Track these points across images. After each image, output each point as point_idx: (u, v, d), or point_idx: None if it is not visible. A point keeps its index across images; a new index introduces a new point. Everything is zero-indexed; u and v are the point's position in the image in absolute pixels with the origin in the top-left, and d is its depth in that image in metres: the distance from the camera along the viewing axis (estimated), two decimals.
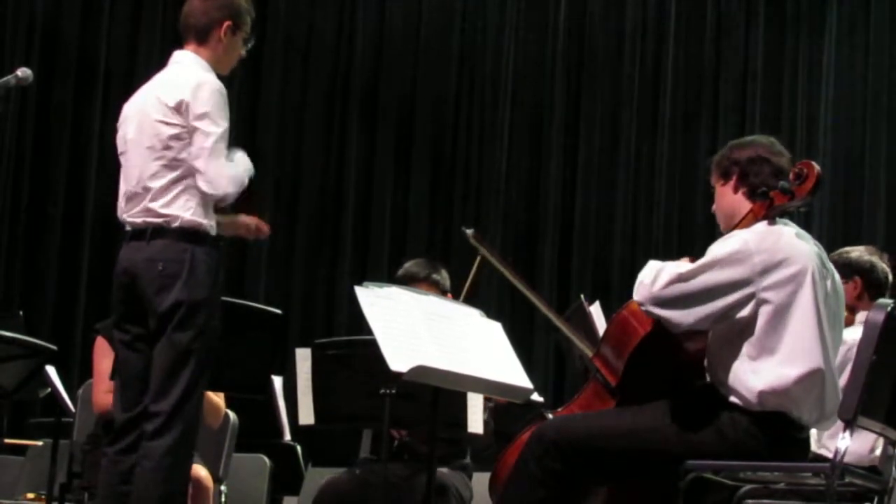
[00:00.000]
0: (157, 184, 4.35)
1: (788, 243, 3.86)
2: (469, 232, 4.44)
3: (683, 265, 3.83)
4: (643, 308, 3.84)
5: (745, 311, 3.78)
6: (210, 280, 4.32)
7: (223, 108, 4.36)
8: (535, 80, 10.22)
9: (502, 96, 10.16)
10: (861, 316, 4.93)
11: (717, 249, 3.83)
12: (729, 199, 4.03)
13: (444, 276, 5.40)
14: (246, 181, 4.44)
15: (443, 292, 5.22)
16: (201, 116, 4.31)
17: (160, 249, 4.31)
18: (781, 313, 3.78)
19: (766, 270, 3.78)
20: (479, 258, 5.26)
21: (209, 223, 4.37)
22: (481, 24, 10.24)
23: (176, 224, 4.32)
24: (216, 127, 4.32)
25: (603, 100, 10.21)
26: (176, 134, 4.33)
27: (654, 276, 3.79)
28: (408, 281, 5.20)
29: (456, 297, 5.14)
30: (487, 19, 10.24)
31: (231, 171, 4.34)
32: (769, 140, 4.09)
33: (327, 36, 10.08)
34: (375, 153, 10.03)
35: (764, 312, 3.77)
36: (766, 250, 3.80)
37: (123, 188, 4.48)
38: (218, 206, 4.44)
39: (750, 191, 3.98)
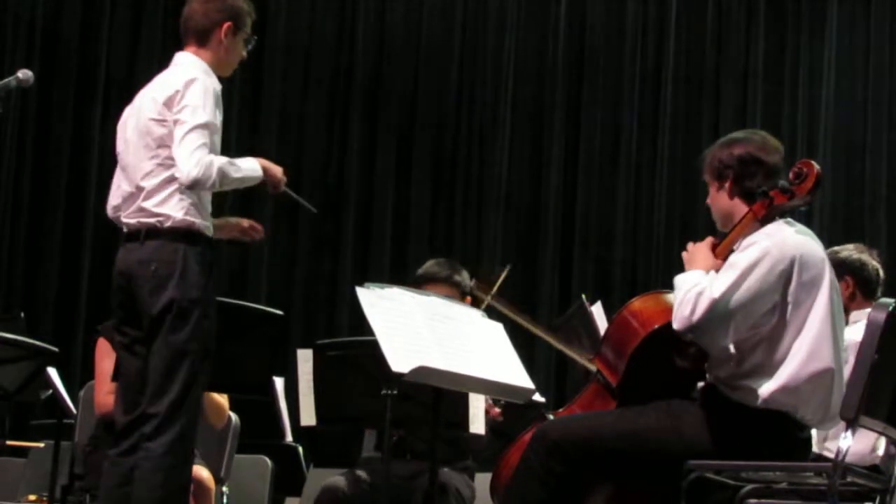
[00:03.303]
0: (150, 182, 4.32)
1: (802, 244, 3.86)
2: (471, 283, 4.44)
3: (715, 285, 3.77)
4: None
5: (772, 318, 3.79)
6: (203, 280, 4.30)
7: (209, 104, 4.27)
8: (535, 80, 10.21)
9: (502, 96, 10.14)
10: (854, 316, 4.88)
11: (740, 261, 3.81)
12: (725, 202, 4.02)
13: (464, 277, 5.28)
14: (234, 175, 4.27)
15: (462, 294, 5.12)
16: (182, 108, 4.25)
17: (153, 250, 4.29)
18: (802, 315, 3.79)
19: (790, 276, 3.79)
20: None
21: (203, 223, 4.34)
22: (481, 24, 10.24)
23: (168, 224, 4.29)
24: (194, 118, 4.22)
25: (603, 100, 10.19)
26: (169, 132, 4.27)
27: (693, 305, 3.75)
28: (427, 280, 5.15)
29: None
30: (487, 19, 10.23)
31: (197, 154, 4.18)
32: (761, 136, 4.05)
33: (328, 35, 10.07)
34: (376, 153, 10.02)
35: (786, 316, 3.79)
36: (787, 257, 3.80)
37: (121, 189, 4.46)
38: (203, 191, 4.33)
39: (746, 195, 3.96)
